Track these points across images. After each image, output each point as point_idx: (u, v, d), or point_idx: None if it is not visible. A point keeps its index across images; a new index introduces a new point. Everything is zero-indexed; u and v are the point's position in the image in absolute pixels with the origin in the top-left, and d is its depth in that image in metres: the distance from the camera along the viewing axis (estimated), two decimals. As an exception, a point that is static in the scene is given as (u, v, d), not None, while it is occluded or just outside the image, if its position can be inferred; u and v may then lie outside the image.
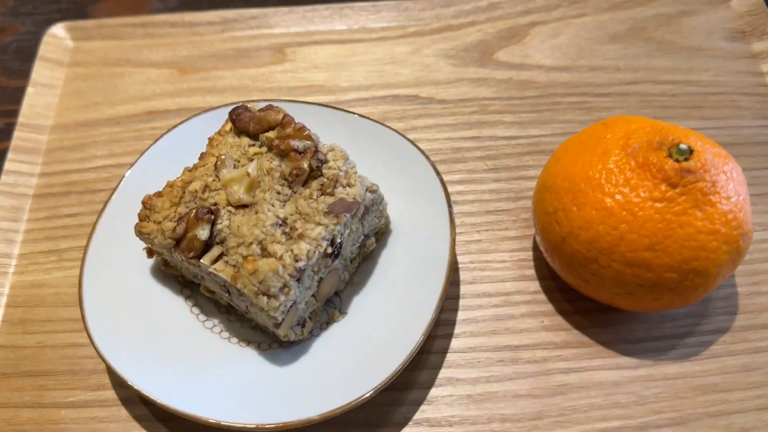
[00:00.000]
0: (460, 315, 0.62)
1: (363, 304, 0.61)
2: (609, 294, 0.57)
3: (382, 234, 0.64)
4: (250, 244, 0.53)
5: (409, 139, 0.64)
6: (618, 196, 0.53)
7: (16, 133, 0.74)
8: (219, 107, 0.68)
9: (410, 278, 0.60)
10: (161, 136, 0.66)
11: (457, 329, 0.61)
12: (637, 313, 0.62)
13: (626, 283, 0.54)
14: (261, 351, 0.58)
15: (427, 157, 0.63)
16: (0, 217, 0.69)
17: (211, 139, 0.61)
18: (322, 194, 0.56)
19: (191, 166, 0.60)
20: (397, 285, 0.60)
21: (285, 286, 0.52)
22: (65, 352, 0.62)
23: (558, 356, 0.60)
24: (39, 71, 0.79)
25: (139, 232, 0.57)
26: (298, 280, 0.53)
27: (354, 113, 0.67)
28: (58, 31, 0.82)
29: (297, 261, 0.53)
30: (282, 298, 0.52)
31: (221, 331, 0.60)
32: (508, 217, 0.68)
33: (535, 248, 0.66)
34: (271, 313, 0.53)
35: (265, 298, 0.52)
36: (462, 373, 0.59)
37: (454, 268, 0.64)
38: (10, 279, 0.66)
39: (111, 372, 0.60)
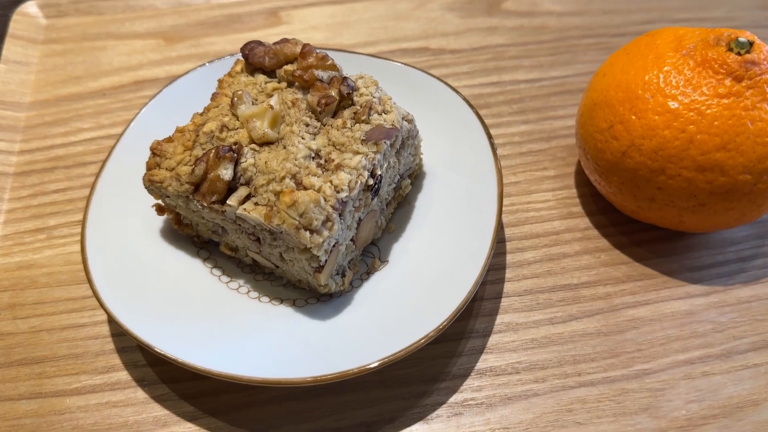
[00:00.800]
0: (510, 258, 0.56)
1: (404, 252, 0.54)
2: (676, 211, 0.52)
3: (415, 176, 0.58)
4: (283, 178, 0.47)
5: (438, 78, 0.59)
6: (681, 97, 0.49)
7: (-10, 111, 0.66)
8: (218, 59, 0.62)
9: (455, 221, 0.54)
10: (158, 93, 0.60)
11: (509, 273, 0.56)
12: (699, 239, 0.57)
13: (697, 192, 0.50)
14: (298, 308, 0.51)
15: (459, 93, 0.58)
16: (-23, 197, 0.61)
17: (221, 81, 0.55)
18: (356, 122, 0.50)
19: (201, 111, 0.53)
20: (440, 229, 0.54)
21: (328, 219, 0.46)
22: (64, 335, 0.53)
23: (622, 290, 0.55)
24: (10, 48, 0.72)
25: (150, 182, 0.50)
26: (340, 216, 0.47)
27: (375, 56, 0.61)
28: (30, 9, 0.75)
29: (338, 192, 0.46)
30: (325, 233, 0.46)
31: (249, 291, 0.53)
32: (544, 156, 0.63)
33: (579, 185, 0.61)
34: (315, 251, 0.46)
35: (307, 233, 0.45)
36: (521, 317, 0.53)
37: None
38: (-8, 262, 0.57)
39: (122, 351, 0.52)
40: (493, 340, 0.52)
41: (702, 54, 0.50)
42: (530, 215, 0.59)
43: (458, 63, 0.70)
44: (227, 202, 0.47)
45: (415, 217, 0.56)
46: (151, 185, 0.50)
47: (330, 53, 0.59)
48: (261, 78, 0.54)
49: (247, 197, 0.48)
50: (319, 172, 0.47)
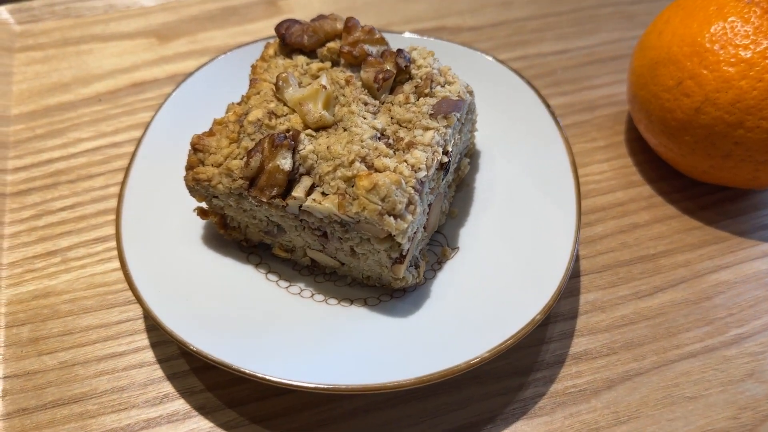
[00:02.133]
0: (580, 234, 0.53)
1: (474, 238, 0.50)
2: (752, 166, 0.49)
3: (471, 155, 0.54)
4: (352, 162, 0.42)
5: (483, 51, 0.56)
6: (753, 46, 0.47)
7: (-29, 128, 0.58)
8: (236, 47, 0.57)
9: (526, 199, 0.50)
10: (173, 91, 0.54)
11: (583, 249, 0.52)
12: (764, 197, 0.55)
13: (779, 144, 0.48)
14: (371, 307, 0.46)
15: (507, 66, 0.55)
16: (-29, 222, 0.53)
17: (254, 66, 0.49)
18: (419, 96, 0.45)
19: (238, 100, 0.48)
20: (511, 210, 0.50)
21: (410, 202, 0.41)
22: (103, 367, 0.46)
23: (701, 256, 0.52)
24: (-17, 59, 0.64)
25: (195, 182, 0.44)
26: (419, 196, 0.42)
27: (406, 33, 0.58)
28: (1, 15, 0.68)
29: (416, 171, 0.42)
30: (409, 218, 0.41)
31: (312, 294, 0.47)
32: (590, 127, 0.60)
33: (633, 153, 0.58)
34: (399, 238, 0.41)
35: (392, 219, 0.40)
36: (606, 294, 0.50)
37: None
38: (3, 293, 0.50)
39: (174, 378, 0.46)
40: (581, 321, 0.48)
41: (768, 0, 0.48)
42: (591, 188, 0.56)
43: (479, 40, 0.66)
44: (292, 194, 0.42)
45: (477, 199, 0.52)
46: (197, 185, 0.44)
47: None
48: (301, 59, 0.49)
49: (312, 187, 0.43)
50: (390, 152, 0.43)
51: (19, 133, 0.59)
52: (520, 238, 0.48)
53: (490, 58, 0.55)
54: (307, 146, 0.43)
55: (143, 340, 0.48)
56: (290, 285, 0.47)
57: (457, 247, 0.49)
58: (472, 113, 0.50)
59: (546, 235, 0.47)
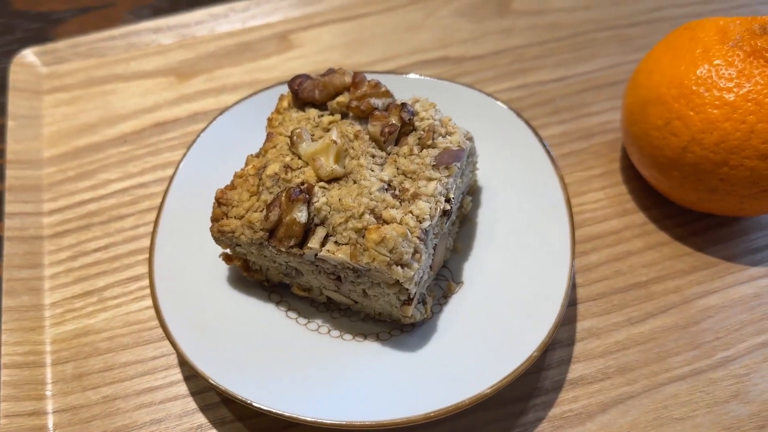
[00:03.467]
0: (576, 263, 0.57)
1: (477, 272, 0.54)
2: (737, 199, 0.53)
3: (473, 192, 0.57)
4: (362, 214, 0.46)
5: (481, 91, 0.59)
6: (737, 89, 0.50)
7: (9, 172, 0.63)
8: (253, 94, 0.60)
9: (525, 234, 0.54)
10: (199, 135, 0.58)
11: (580, 278, 0.56)
12: (752, 222, 0.59)
13: (760, 179, 0.51)
14: (383, 342, 0.51)
15: (506, 104, 0.58)
16: (16, 265, 0.58)
17: (270, 120, 0.53)
18: (422, 148, 0.49)
19: (255, 152, 0.52)
20: (511, 244, 0.54)
21: (416, 251, 0.45)
22: (141, 400, 0.51)
23: (690, 282, 0.55)
24: (15, 102, 0.68)
25: (219, 233, 0.48)
26: (424, 244, 0.46)
27: (410, 75, 0.61)
28: (27, 57, 0.72)
29: (421, 222, 0.46)
30: (415, 265, 0.45)
31: (329, 330, 0.51)
32: (586, 155, 0.63)
33: (628, 180, 0.61)
34: (406, 285, 0.45)
35: (399, 268, 0.44)
36: (600, 321, 0.54)
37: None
38: (47, 333, 0.55)
39: (206, 409, 0.51)
40: (578, 348, 0.52)
41: (750, 44, 0.51)
42: (586, 216, 0.59)
43: (481, 69, 0.69)
44: (308, 245, 0.46)
45: (480, 233, 0.56)
46: (222, 236, 0.49)
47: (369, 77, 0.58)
48: (313, 112, 0.52)
49: (326, 238, 0.47)
50: (397, 203, 0.46)
51: (52, 176, 0.64)
52: (518, 273, 0.52)
53: (490, 98, 0.58)
54: (320, 199, 0.47)
55: (177, 374, 0.52)
56: (309, 322, 0.52)
57: (462, 282, 0.53)
58: (473, 156, 0.53)
59: (542, 272, 0.50)
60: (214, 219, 0.49)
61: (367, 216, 0.46)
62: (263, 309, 0.52)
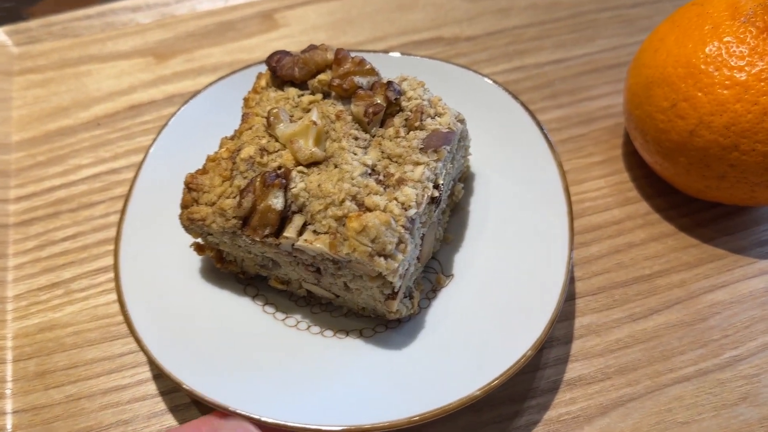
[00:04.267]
0: (576, 255, 0.53)
1: (468, 264, 0.50)
2: (748, 187, 0.49)
3: (465, 179, 0.54)
4: (342, 201, 0.42)
5: (474, 70, 0.56)
6: (749, 68, 0.46)
7: (-27, 157, 0.59)
8: (230, 74, 0.57)
9: (519, 224, 0.50)
10: (171, 118, 0.54)
11: (579, 271, 0.52)
12: (762, 211, 0.55)
13: (774, 166, 0.47)
14: (366, 338, 0.47)
15: (501, 86, 0.55)
16: (-23, 255, 0.54)
17: (247, 99, 0.49)
18: (409, 130, 0.45)
19: (231, 134, 0.48)
20: (504, 235, 0.50)
21: (401, 241, 0.42)
22: (108, 400, 0.48)
23: (697, 275, 0.52)
24: (-17, 84, 0.64)
25: (189, 221, 0.45)
26: (410, 234, 0.42)
27: (398, 53, 0.57)
28: (-3, 37, 0.68)
29: (406, 209, 0.42)
30: (400, 257, 0.41)
31: (309, 326, 0.48)
32: (586, 141, 0.59)
33: (630, 168, 0.58)
34: (390, 278, 0.42)
35: (382, 259, 0.41)
36: (600, 317, 0.50)
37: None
38: (9, 327, 0.51)
39: (176, 410, 0.47)
40: (576, 346, 0.49)
41: (764, 20, 0.47)
42: (586, 206, 0.55)
43: (476, 50, 0.66)
44: (284, 234, 0.43)
45: (472, 223, 0.52)
46: (192, 224, 0.45)
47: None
48: (292, 91, 0.49)
49: (304, 226, 0.43)
50: (381, 189, 0.43)
51: (21, 161, 0.60)
52: (512, 266, 0.48)
53: (484, 78, 0.55)
54: (298, 184, 0.43)
55: (146, 372, 0.49)
56: (287, 317, 0.48)
57: (452, 275, 0.50)
58: (464, 140, 0.50)
59: (538, 264, 0.47)
60: (184, 206, 0.45)
61: (348, 203, 0.42)
62: (238, 303, 0.49)
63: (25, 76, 0.66)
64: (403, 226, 0.41)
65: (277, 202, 0.43)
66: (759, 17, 0.47)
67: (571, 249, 0.46)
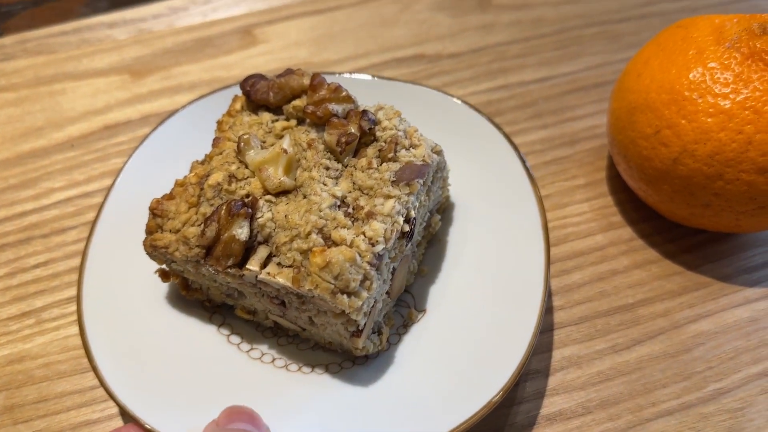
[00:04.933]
0: (557, 283, 0.52)
1: (442, 298, 0.48)
2: (733, 215, 0.48)
3: (443, 210, 0.52)
4: (308, 234, 0.41)
5: (452, 96, 0.54)
6: (733, 95, 0.45)
7: (-57, 180, 0.58)
8: (209, 94, 0.55)
9: (496, 259, 0.48)
10: (145, 140, 0.53)
11: (559, 300, 0.51)
12: (748, 237, 0.54)
13: (758, 195, 0.46)
14: (333, 374, 0.46)
15: (480, 112, 0.53)
16: (-54, 284, 0.53)
17: (220, 123, 0.48)
18: (382, 161, 0.44)
19: (202, 158, 0.47)
20: (480, 269, 0.49)
21: (366, 278, 0.40)
22: (77, 436, 0.47)
23: (681, 304, 0.51)
24: (-45, 103, 0.63)
25: (152, 248, 0.44)
26: (377, 271, 0.41)
27: (375, 77, 0.56)
28: (-31, 53, 0.67)
29: (374, 245, 0.40)
30: (364, 294, 0.40)
31: (273, 359, 0.47)
32: (570, 163, 0.58)
33: (614, 191, 0.57)
34: (354, 316, 0.40)
35: (345, 297, 0.39)
36: (582, 348, 0.49)
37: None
38: (-23, 359, 0.50)
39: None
40: (556, 378, 0.48)
41: (749, 46, 0.46)
42: (569, 231, 0.54)
43: (459, 68, 0.64)
44: (247, 266, 0.41)
45: (449, 256, 0.51)
46: (154, 251, 0.44)
47: (331, 78, 0.53)
48: (266, 116, 0.47)
49: (269, 258, 0.42)
50: (348, 222, 0.41)
51: (-8, 184, 0.59)
52: (485, 303, 0.46)
53: (463, 104, 0.53)
54: (265, 214, 0.42)
55: (116, 407, 0.48)
56: (252, 348, 0.47)
57: (425, 309, 0.48)
58: (442, 171, 0.48)
59: (512, 302, 0.45)
60: (148, 231, 0.44)
61: (314, 236, 0.40)
62: (202, 333, 0.47)
63: (-2, 95, 0.64)
64: (369, 263, 0.40)
65: (241, 232, 0.41)
66: (744, 43, 0.46)
67: (547, 285, 0.45)
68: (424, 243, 0.50)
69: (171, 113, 0.55)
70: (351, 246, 0.40)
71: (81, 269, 0.47)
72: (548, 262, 0.45)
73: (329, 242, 0.40)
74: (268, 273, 0.41)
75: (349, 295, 0.39)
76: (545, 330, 0.50)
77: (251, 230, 0.42)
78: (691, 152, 0.46)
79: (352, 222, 0.41)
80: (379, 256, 0.41)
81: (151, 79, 0.65)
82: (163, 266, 0.47)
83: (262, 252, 0.42)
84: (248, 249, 0.42)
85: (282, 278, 0.40)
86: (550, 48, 0.65)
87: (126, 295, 0.47)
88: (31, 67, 0.66)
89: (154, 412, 0.41)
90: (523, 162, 0.50)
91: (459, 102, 0.54)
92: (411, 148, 0.45)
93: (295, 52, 0.66)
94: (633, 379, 0.48)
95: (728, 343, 0.49)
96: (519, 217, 0.49)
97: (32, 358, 0.50)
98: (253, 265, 0.41)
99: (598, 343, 0.49)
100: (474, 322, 0.46)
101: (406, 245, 0.44)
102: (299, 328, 0.46)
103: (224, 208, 0.42)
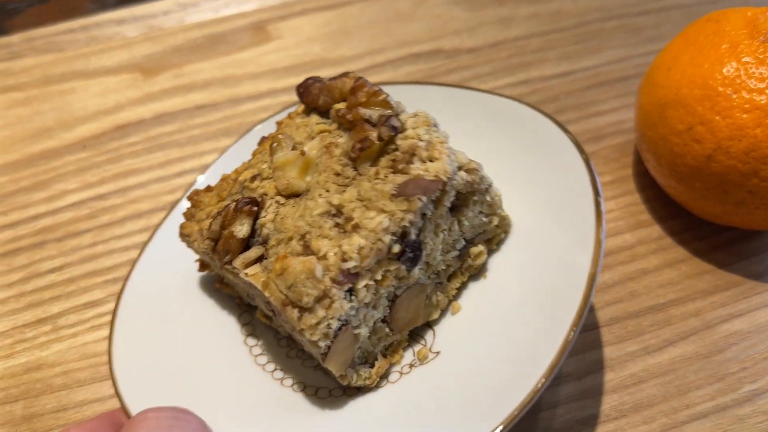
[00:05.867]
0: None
1: (465, 340, 0.43)
2: (767, 213, 0.47)
3: (498, 242, 0.47)
4: (290, 239, 0.39)
5: (536, 109, 0.48)
6: (770, 91, 0.44)
7: (-47, 183, 0.57)
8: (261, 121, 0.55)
9: (526, 302, 0.42)
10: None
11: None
12: (779, 234, 0.53)
13: (795, 193, 0.45)
14: (318, 399, 0.42)
15: (565, 130, 0.46)
16: (-41, 290, 0.51)
17: (279, 123, 0.48)
18: (393, 172, 0.40)
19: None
20: (510, 309, 0.42)
21: (325, 296, 0.37)
22: (99, 446, 0.45)
23: (713, 303, 0.50)
24: (-38, 104, 0.62)
25: (181, 235, 0.44)
26: (350, 292, 0.38)
27: (441, 84, 0.52)
28: (-25, 53, 0.65)
29: (345, 261, 0.37)
30: (321, 313, 0.36)
31: (275, 369, 0.44)
32: (596, 160, 0.57)
33: (641, 189, 0.55)
34: (308, 335, 0.37)
35: (296, 311, 0.36)
36: (614, 350, 0.48)
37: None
38: (-6, 368, 0.49)
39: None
40: (588, 382, 0.47)
41: (785, 38, 0.45)
42: (597, 230, 0.53)
43: (478, 63, 0.63)
44: (233, 263, 0.40)
45: (490, 294, 0.44)
46: (183, 239, 0.44)
47: (388, 88, 0.46)
48: (314, 118, 0.46)
49: (259, 259, 0.40)
50: (333, 233, 0.38)
51: (4, 186, 0.57)
52: (498, 353, 0.40)
53: (532, 111, 0.47)
54: (269, 214, 0.41)
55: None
56: (261, 353, 0.45)
57: (439, 352, 0.43)
58: (483, 194, 0.43)
59: (531, 360, 0.38)
60: (185, 219, 0.44)
61: (294, 242, 0.39)
62: (226, 329, 0.46)
63: (6, 95, 0.63)
64: (333, 279, 0.37)
65: (241, 229, 0.40)
66: (779, 36, 0.45)
67: (566, 351, 0.37)
68: (462, 276, 0.45)
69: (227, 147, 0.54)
70: (323, 258, 0.37)
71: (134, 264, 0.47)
72: (579, 318, 0.38)
73: (308, 251, 0.38)
74: (246, 273, 0.39)
75: (301, 310, 0.36)
76: (580, 331, 0.48)
77: (254, 229, 0.41)
78: (725, 149, 0.45)
79: (338, 233, 0.38)
80: (350, 275, 0.37)
81: (162, 77, 0.63)
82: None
83: (253, 252, 0.40)
84: (248, 248, 0.41)
85: (255, 280, 0.39)
86: (570, 42, 0.64)
87: (168, 285, 0.47)
88: (39, 65, 0.65)
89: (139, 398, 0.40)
90: (596, 194, 0.42)
91: (531, 109, 0.48)
92: (428, 161, 0.40)
93: (309, 48, 0.65)
94: (666, 381, 0.47)
95: (762, 343, 0.48)
96: (564, 261, 0.41)
97: (50, 366, 0.49)
98: (237, 263, 0.40)
99: (629, 345, 0.48)
100: (483, 369, 0.40)
101: (409, 270, 0.40)
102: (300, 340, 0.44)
103: (233, 203, 0.41)
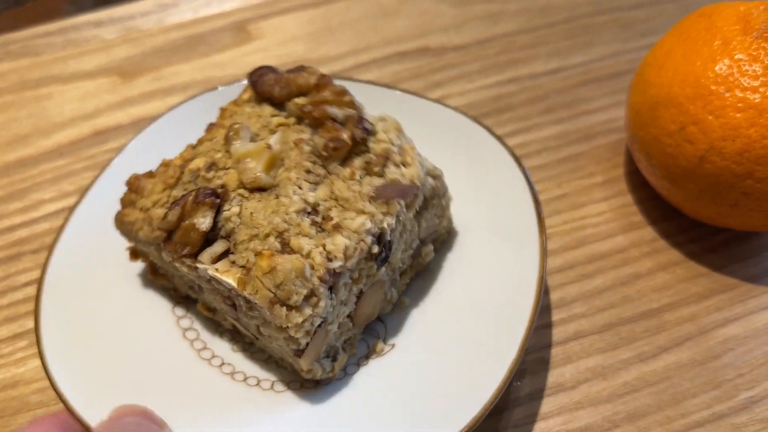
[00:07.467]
0: (578, 288, 0.49)
1: (416, 333, 0.45)
2: (762, 215, 0.46)
3: (442, 242, 0.49)
4: (267, 236, 0.38)
5: (473, 118, 0.50)
6: (763, 89, 0.43)
7: (-75, 194, 0.55)
8: (209, 90, 0.53)
9: (480, 297, 0.44)
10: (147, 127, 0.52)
11: (580, 307, 0.49)
12: (776, 235, 0.52)
13: (791, 194, 0.43)
14: (276, 392, 0.42)
15: (499, 139, 0.49)
16: (-68, 306, 0.50)
17: (223, 110, 0.46)
18: (367, 174, 0.41)
19: (195, 142, 0.45)
20: (459, 308, 0.45)
21: (313, 294, 0.37)
22: (77, 466, 0.44)
23: (708, 307, 0.48)
24: (-65, 111, 0.60)
25: (120, 223, 0.43)
26: (330, 289, 0.38)
27: (396, 89, 0.52)
28: (-51, 58, 0.63)
29: (330, 260, 0.38)
30: (308, 311, 0.37)
31: (222, 364, 0.44)
32: (587, 160, 0.55)
33: (634, 189, 0.54)
34: (293, 333, 0.37)
35: (284, 309, 0.36)
36: (607, 358, 0.47)
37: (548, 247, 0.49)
38: (-32, 386, 0.47)
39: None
40: (581, 391, 0.45)
41: (780, 34, 0.43)
42: (588, 233, 0.52)
43: (465, 61, 0.61)
44: (198, 257, 0.39)
45: (435, 290, 0.47)
46: (122, 227, 0.43)
47: (349, 84, 0.48)
48: (268, 110, 0.45)
49: (225, 253, 0.39)
50: (312, 232, 0.38)
51: (-23, 197, 0.56)
52: (456, 346, 0.43)
53: (474, 124, 0.50)
54: (233, 208, 0.40)
55: None
56: (204, 348, 0.44)
57: (393, 344, 0.44)
58: (440, 198, 0.45)
59: (479, 354, 0.41)
60: (122, 206, 0.43)
61: (272, 239, 0.38)
62: (159, 321, 0.46)
63: (-19, 101, 0.61)
64: (320, 278, 0.37)
65: (203, 222, 0.39)
66: (774, 31, 0.43)
67: (528, 337, 0.41)
68: (411, 273, 0.47)
69: (161, 114, 0.52)
70: (306, 257, 0.37)
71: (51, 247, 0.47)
72: (535, 311, 0.42)
73: (287, 249, 0.38)
74: (217, 269, 0.38)
75: (289, 308, 0.37)
76: (568, 340, 0.47)
77: (216, 222, 0.39)
78: (718, 150, 0.44)
79: (317, 232, 0.39)
80: (334, 274, 0.38)
81: (141, 80, 0.62)
82: (133, 244, 0.45)
83: (218, 246, 0.39)
84: (210, 241, 0.40)
85: (229, 277, 0.38)
86: (561, 38, 0.63)
87: (92, 275, 0.46)
88: (15, 70, 0.63)
89: (92, 404, 0.40)
90: (533, 192, 0.47)
91: (465, 118, 0.50)
92: (402, 166, 0.42)
93: (292, 48, 0.63)
94: (661, 389, 0.45)
95: (758, 348, 0.47)
96: (517, 264, 0.44)
97: (26, 383, 0.47)
98: (203, 257, 0.39)
99: (623, 352, 0.47)
100: (440, 361, 0.42)
101: (378, 269, 0.41)
102: (253, 336, 0.43)
103: (193, 194, 0.40)
